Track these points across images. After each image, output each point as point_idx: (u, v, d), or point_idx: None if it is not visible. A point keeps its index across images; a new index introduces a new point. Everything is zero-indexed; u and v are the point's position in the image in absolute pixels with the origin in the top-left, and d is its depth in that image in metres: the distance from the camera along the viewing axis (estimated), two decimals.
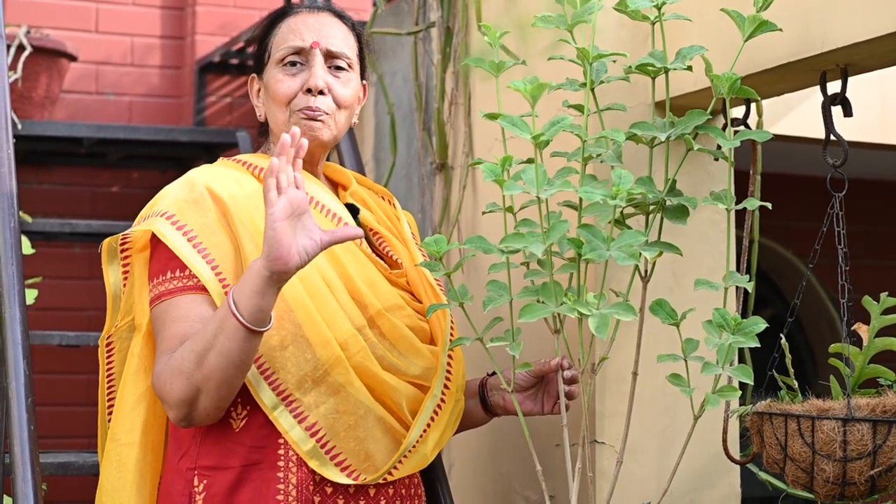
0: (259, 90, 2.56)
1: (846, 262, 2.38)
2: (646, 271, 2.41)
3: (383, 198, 2.70)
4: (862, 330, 2.35)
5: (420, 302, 2.52)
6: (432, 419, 2.46)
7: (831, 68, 2.44)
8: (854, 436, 2.26)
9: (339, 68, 2.52)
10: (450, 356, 2.49)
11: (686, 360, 2.28)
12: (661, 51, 2.41)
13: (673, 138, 2.37)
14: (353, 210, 2.57)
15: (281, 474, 2.35)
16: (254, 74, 2.58)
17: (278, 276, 2.18)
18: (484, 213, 2.46)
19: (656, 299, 2.30)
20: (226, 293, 2.31)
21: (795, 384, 2.33)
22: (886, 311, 2.35)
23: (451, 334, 2.49)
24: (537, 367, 2.46)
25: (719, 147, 2.40)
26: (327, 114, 2.48)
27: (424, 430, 2.44)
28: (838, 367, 2.38)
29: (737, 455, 2.70)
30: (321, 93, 2.47)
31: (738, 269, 2.61)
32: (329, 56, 2.50)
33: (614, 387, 2.67)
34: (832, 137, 2.45)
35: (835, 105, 2.45)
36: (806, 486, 2.34)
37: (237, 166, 2.51)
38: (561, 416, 2.39)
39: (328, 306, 2.36)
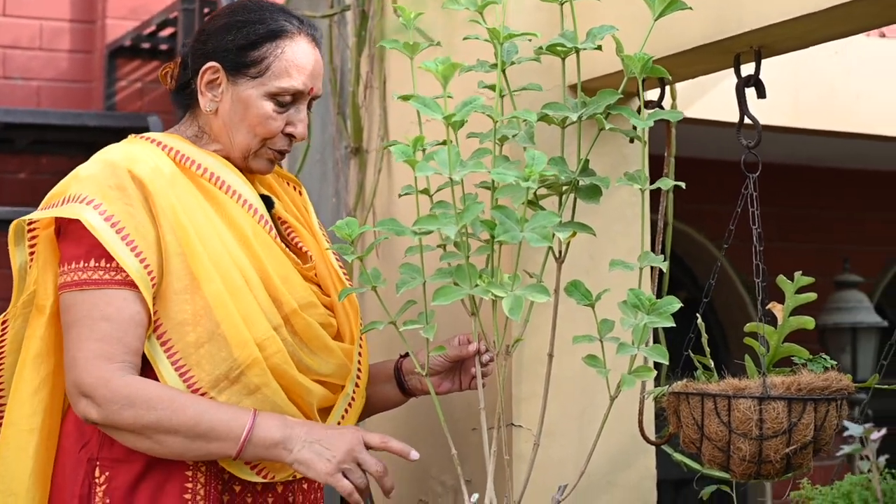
0: (220, 85, 2.43)
1: (760, 243, 2.39)
2: (560, 252, 2.41)
3: (290, 185, 2.65)
4: (776, 309, 2.37)
5: (328, 296, 2.49)
6: (343, 417, 2.45)
7: (745, 50, 2.45)
8: (770, 414, 2.27)
9: (309, 108, 2.50)
10: (360, 354, 2.48)
11: (602, 341, 2.28)
12: (571, 31, 2.41)
13: (585, 118, 2.37)
14: (269, 202, 2.52)
15: (189, 472, 2.33)
16: (216, 64, 2.42)
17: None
18: (400, 195, 2.44)
19: (571, 280, 2.30)
20: (153, 285, 2.28)
21: (711, 364, 2.34)
22: (800, 290, 2.37)
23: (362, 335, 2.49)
24: (453, 352, 2.45)
25: (634, 128, 2.40)
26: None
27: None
28: (753, 346, 2.39)
29: (653, 436, 2.71)
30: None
31: (653, 251, 2.61)
32: (311, 99, 2.48)
33: (531, 369, 2.66)
34: (746, 120, 2.46)
35: (749, 87, 2.46)
36: (722, 466, 2.35)
37: (151, 146, 2.43)
38: (478, 399, 2.38)
39: (246, 304, 2.32)
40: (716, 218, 4.07)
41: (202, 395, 2.29)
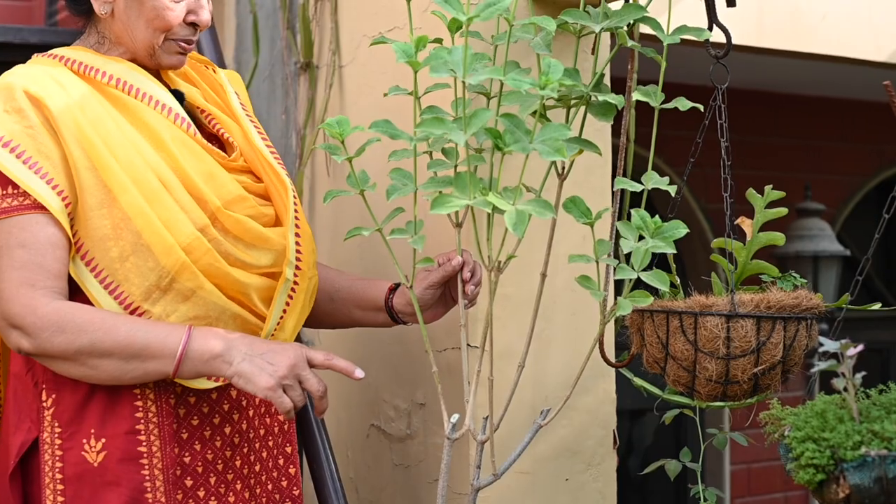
0: None
1: (728, 156, 2.30)
2: (563, 168, 2.29)
3: (207, 67, 2.53)
4: (745, 224, 2.28)
5: (260, 181, 2.39)
6: (287, 304, 2.35)
7: None
8: (738, 332, 2.19)
9: None
10: (297, 235, 2.36)
11: (598, 262, 2.17)
12: None
13: (605, 30, 2.24)
14: (179, 96, 2.40)
15: (137, 389, 2.25)
16: None
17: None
18: (386, 94, 2.31)
19: (570, 197, 2.17)
20: (66, 205, 2.19)
21: (677, 280, 2.25)
22: (770, 205, 2.28)
23: (296, 211, 2.37)
24: (437, 275, 2.36)
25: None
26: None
27: (281, 318, 2.34)
28: (720, 263, 2.30)
29: (613, 359, 2.62)
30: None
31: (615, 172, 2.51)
32: None
33: (502, 290, 2.56)
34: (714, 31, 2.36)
35: None
36: (687, 386, 2.27)
37: (54, 63, 2.32)
38: (459, 316, 2.30)
39: (167, 209, 2.23)
40: (673, 142, 3.96)
41: (135, 309, 2.22)
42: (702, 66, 2.40)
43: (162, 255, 2.21)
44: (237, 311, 2.29)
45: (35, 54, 2.40)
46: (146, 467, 2.24)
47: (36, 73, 2.26)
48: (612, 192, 2.56)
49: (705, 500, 2.43)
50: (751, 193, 2.28)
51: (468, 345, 2.51)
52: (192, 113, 2.40)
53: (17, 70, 2.29)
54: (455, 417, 2.22)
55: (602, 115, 2.25)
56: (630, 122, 2.65)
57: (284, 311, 2.34)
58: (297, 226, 2.36)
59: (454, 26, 2.22)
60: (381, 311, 2.49)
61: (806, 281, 2.29)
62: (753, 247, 2.27)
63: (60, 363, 2.19)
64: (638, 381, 2.85)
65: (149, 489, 2.23)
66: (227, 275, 2.26)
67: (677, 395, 2.76)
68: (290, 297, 2.35)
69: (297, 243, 2.35)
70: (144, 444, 2.24)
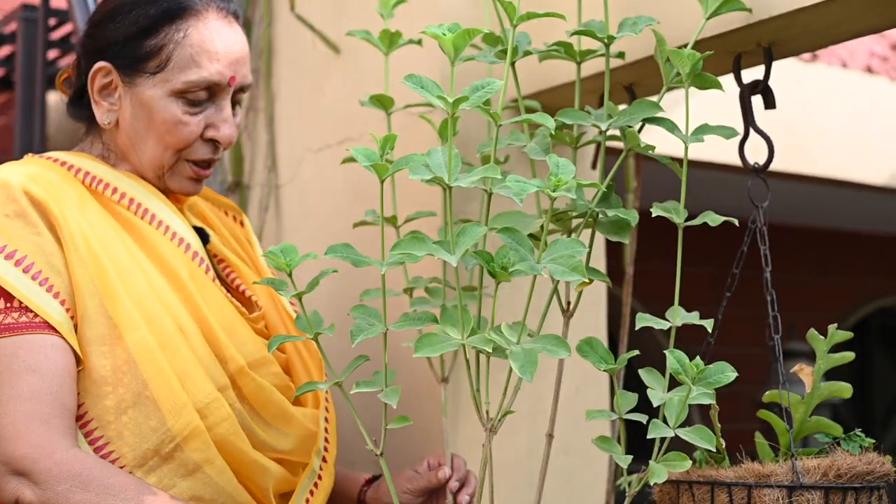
0: (116, 90, 1.92)
1: (766, 288, 1.91)
2: (568, 303, 1.86)
3: (228, 213, 2.12)
4: (805, 373, 1.85)
5: (283, 353, 1.96)
6: (307, 501, 1.91)
7: (750, 49, 1.96)
8: None
9: (237, 103, 1.97)
10: (326, 420, 1.96)
11: (621, 418, 1.72)
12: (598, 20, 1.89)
13: (608, 137, 1.84)
14: (203, 236, 1.99)
15: None
16: (106, 64, 1.91)
17: None
18: (356, 225, 1.87)
19: (586, 338, 1.73)
20: (75, 325, 1.75)
21: (722, 444, 1.80)
22: (834, 350, 1.86)
23: (327, 391, 1.96)
24: (420, 482, 1.96)
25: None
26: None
27: None
28: (771, 420, 1.87)
29: None
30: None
31: None
32: (236, 91, 1.95)
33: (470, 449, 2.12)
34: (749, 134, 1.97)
35: (755, 94, 1.97)
36: None
37: (54, 166, 1.91)
38: None
39: (183, 360, 1.79)
40: (642, 277, 3.57)
41: None
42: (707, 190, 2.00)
43: (170, 414, 1.76)
44: (247, 502, 1.84)
45: (26, 155, 1.97)
46: None
47: (34, 173, 1.85)
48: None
49: None
50: (812, 335, 1.87)
51: None
52: (209, 259, 2.00)
53: (10, 168, 1.86)
54: None
55: (616, 234, 1.83)
56: (629, 249, 2.26)
57: None
58: (326, 408, 1.96)
59: (445, 130, 1.84)
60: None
61: (874, 441, 1.87)
62: (814, 401, 1.85)
63: None
64: None
65: None
66: (243, 454, 1.82)
67: None
68: (311, 494, 1.91)
69: (325, 430, 1.95)
70: None
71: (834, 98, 3.12)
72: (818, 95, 3.08)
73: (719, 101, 2.19)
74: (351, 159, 1.93)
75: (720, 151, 2.34)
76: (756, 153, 1.96)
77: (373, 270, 1.83)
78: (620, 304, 2.28)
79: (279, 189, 2.65)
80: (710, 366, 1.69)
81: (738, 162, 2.00)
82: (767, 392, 1.87)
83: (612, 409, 1.77)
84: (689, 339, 1.96)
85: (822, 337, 1.85)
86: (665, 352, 1.68)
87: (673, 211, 1.74)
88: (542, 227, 1.76)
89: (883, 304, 5.66)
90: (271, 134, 2.68)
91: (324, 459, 1.95)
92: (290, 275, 1.75)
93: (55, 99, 3.59)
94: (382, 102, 2.00)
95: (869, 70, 3.44)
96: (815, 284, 5.56)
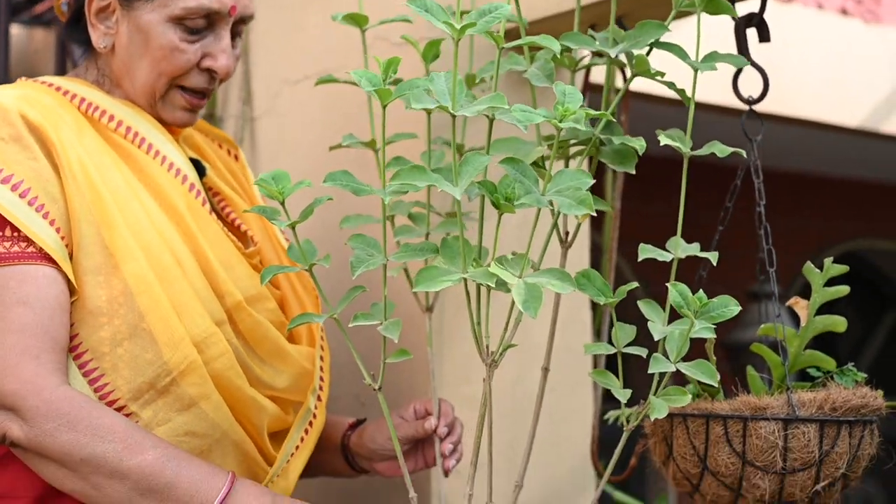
0: (114, 14, 1.87)
1: (760, 222, 1.91)
2: (567, 233, 1.83)
3: (223, 147, 2.08)
4: (800, 307, 1.85)
5: (278, 289, 1.93)
6: (302, 440, 1.89)
7: None
8: (798, 441, 1.75)
9: (237, 35, 1.92)
10: (321, 359, 1.93)
11: (620, 352, 1.69)
12: None
13: (617, 55, 1.78)
14: (199, 167, 1.94)
15: None
16: None
17: None
18: (332, 148, 1.82)
19: (582, 271, 1.70)
20: (70, 254, 1.70)
21: (717, 377, 1.79)
22: (829, 283, 1.86)
23: (322, 329, 1.94)
24: (411, 429, 1.93)
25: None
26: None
27: (291, 454, 1.87)
28: (764, 354, 1.87)
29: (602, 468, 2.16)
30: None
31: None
32: (237, 22, 1.89)
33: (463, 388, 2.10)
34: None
35: (749, 27, 1.96)
36: None
37: (48, 90, 1.86)
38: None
39: (181, 292, 1.76)
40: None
41: (118, 409, 1.71)
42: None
43: (167, 348, 1.72)
44: (241, 439, 1.80)
45: (20, 78, 1.92)
46: None
47: (30, 97, 1.80)
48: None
49: None
50: (808, 269, 1.86)
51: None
52: (207, 195, 1.95)
53: (4, 91, 1.80)
54: None
55: (620, 163, 1.79)
56: (613, 184, 2.24)
57: (294, 450, 1.88)
58: (322, 346, 1.92)
59: (429, 53, 1.80)
60: (337, 450, 2.04)
61: (866, 376, 1.87)
62: (809, 334, 1.84)
63: (54, 468, 1.65)
64: (619, 496, 2.41)
65: None
66: (239, 390, 1.78)
67: None
68: (306, 433, 1.89)
69: (321, 368, 1.92)
70: None
71: (809, 40, 3.10)
72: (793, 36, 3.06)
73: (707, 39, 2.16)
74: (326, 80, 1.90)
75: (706, 91, 2.31)
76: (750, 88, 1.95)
77: (350, 199, 1.80)
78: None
79: (254, 122, 2.61)
80: (713, 299, 1.67)
81: (721, 102, 1.99)
82: (763, 325, 1.87)
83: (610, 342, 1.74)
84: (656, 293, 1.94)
85: (818, 270, 1.85)
86: (667, 284, 1.66)
87: (679, 140, 1.72)
88: (543, 157, 1.73)
89: (850, 247, 5.68)
90: (246, 65, 2.63)
91: (318, 398, 1.92)
92: (282, 203, 1.71)
93: (17, 31, 3.53)
94: (356, 20, 1.93)
95: (843, 12, 3.44)
96: (784, 227, 5.58)
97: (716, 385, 1.71)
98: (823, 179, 4.12)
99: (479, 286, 1.67)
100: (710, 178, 5.35)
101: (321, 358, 1.94)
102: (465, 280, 1.62)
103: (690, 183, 1.73)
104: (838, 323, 1.85)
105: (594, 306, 2.35)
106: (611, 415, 2.05)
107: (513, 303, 1.60)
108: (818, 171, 4.72)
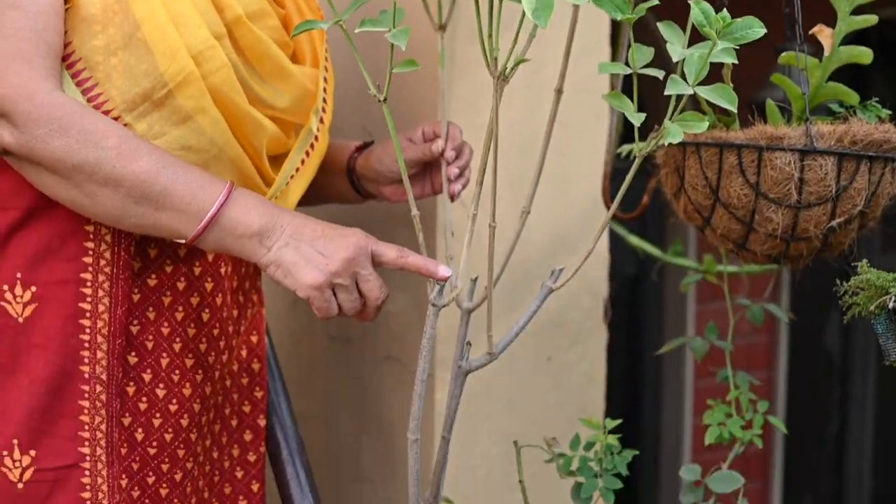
0: None
1: None
2: None
3: None
4: (824, 35, 1.76)
5: (282, 7, 1.83)
6: (302, 162, 1.83)
7: None
8: (814, 174, 1.69)
9: None
10: (325, 80, 1.85)
11: (636, 73, 1.59)
12: None
13: None
14: None
15: (91, 226, 1.68)
16: None
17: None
18: None
19: None
20: None
21: (736, 101, 1.70)
22: (857, 11, 1.77)
23: (326, 50, 1.85)
24: (418, 151, 1.87)
25: None
26: None
27: (289, 179, 1.82)
28: (784, 85, 1.79)
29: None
30: None
31: None
32: None
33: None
34: None
35: None
36: (737, 243, 1.77)
37: None
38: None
39: (178, 1, 1.66)
40: None
41: (114, 119, 1.65)
42: None
43: (163, 59, 1.65)
44: (238, 156, 1.74)
45: None
46: (87, 330, 1.68)
47: None
48: None
49: (736, 387, 1.93)
50: None
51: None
52: None
53: None
54: (444, 270, 1.68)
55: None
56: None
57: (294, 172, 1.82)
58: (325, 68, 1.85)
59: None
60: (342, 173, 1.98)
61: (890, 112, 1.79)
62: (832, 65, 1.76)
63: (47, 175, 1.61)
64: (634, 239, 2.36)
65: (87, 359, 1.69)
66: (237, 106, 1.71)
67: (682, 258, 2.28)
68: (307, 156, 1.83)
69: (324, 90, 1.84)
70: (90, 298, 1.68)
71: None
72: None
73: None
74: None
75: None
76: None
77: None
78: None
79: None
80: (737, 20, 1.57)
81: None
82: (783, 53, 1.78)
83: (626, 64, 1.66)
84: None
85: None
86: (689, 1, 1.57)
87: None
88: None
89: (886, 14, 5.46)
90: None
91: (321, 121, 1.86)
92: None
93: None
94: None
95: None
96: None
97: (734, 112, 1.63)
98: None
99: None
100: None
101: (325, 80, 1.87)
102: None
103: None
104: (863, 54, 1.76)
105: (613, 41, 2.25)
106: (624, 148, 1.99)
107: (523, 14, 1.52)
108: None
